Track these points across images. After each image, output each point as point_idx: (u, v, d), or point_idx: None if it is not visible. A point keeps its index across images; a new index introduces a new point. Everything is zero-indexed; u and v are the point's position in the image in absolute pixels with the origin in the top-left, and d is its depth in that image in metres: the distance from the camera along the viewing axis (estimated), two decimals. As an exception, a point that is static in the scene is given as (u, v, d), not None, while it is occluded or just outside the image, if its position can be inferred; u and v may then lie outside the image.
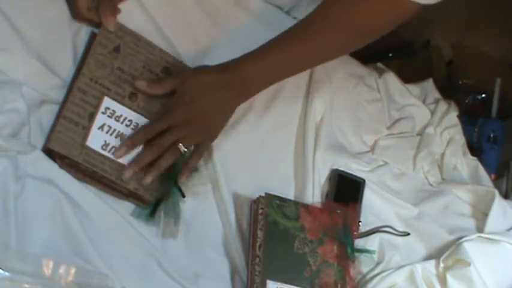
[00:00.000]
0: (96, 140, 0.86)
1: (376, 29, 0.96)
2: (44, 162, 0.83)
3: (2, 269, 0.71)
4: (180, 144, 0.90)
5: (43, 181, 0.81)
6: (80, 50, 0.94)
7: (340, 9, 0.94)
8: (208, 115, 0.94)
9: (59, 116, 0.86)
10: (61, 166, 0.84)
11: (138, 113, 0.92)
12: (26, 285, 0.72)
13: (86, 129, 0.86)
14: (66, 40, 0.93)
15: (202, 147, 0.94)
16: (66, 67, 0.92)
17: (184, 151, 0.91)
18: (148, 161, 0.88)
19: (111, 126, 0.89)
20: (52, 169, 0.83)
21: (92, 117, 0.87)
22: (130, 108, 0.91)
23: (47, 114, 0.87)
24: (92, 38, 0.95)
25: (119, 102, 0.90)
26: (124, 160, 0.88)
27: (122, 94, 0.91)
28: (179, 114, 0.91)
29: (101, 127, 0.88)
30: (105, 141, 0.87)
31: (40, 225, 0.79)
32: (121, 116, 0.90)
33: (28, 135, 0.84)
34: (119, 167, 0.87)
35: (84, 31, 0.95)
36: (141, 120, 0.92)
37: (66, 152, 0.83)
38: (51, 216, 0.80)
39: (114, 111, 0.89)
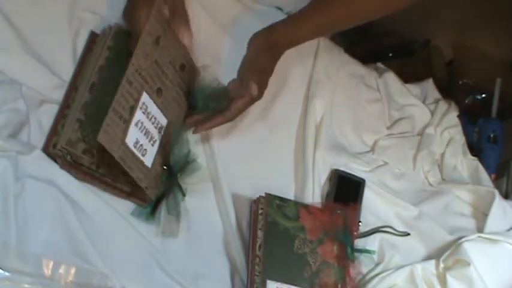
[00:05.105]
0: (132, 136, 0.84)
1: None
2: (44, 163, 0.83)
3: (2, 269, 0.71)
4: None
5: (43, 181, 0.81)
6: (80, 50, 0.94)
7: None
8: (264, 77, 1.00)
9: (60, 116, 0.86)
10: (61, 166, 0.83)
11: (160, 110, 0.91)
12: (26, 285, 0.72)
13: (126, 124, 0.83)
14: (66, 40, 0.93)
15: None
16: (66, 67, 0.91)
17: None
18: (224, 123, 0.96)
19: (143, 123, 0.86)
20: (52, 169, 0.83)
21: (132, 111, 0.84)
22: (156, 104, 0.89)
23: (47, 114, 0.87)
24: (92, 37, 0.95)
25: (151, 97, 0.88)
26: (147, 161, 0.87)
27: (153, 88, 0.89)
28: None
29: (137, 123, 0.85)
30: (137, 139, 0.85)
31: (40, 225, 0.79)
32: (150, 112, 0.88)
33: (28, 135, 0.84)
34: (142, 167, 0.86)
35: (84, 31, 0.95)
36: (161, 118, 0.91)
37: (109, 147, 0.80)
38: (51, 216, 0.80)
39: (147, 107, 0.87)
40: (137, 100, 0.85)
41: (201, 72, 1.02)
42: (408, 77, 1.41)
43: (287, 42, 1.01)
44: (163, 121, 0.91)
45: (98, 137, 0.78)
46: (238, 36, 1.10)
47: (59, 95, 0.89)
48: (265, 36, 0.98)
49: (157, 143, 0.89)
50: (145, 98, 0.87)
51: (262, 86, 0.98)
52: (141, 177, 0.85)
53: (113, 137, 0.81)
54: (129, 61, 0.85)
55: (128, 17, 0.95)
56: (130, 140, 0.83)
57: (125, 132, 0.83)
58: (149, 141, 0.88)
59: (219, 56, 1.09)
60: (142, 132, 0.86)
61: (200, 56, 1.05)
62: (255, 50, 0.97)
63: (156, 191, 0.88)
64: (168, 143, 0.91)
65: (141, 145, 0.86)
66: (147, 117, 0.87)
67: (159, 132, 0.90)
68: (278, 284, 0.91)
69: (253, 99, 0.97)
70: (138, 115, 0.85)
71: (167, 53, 0.92)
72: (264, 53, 0.97)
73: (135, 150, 0.84)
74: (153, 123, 0.88)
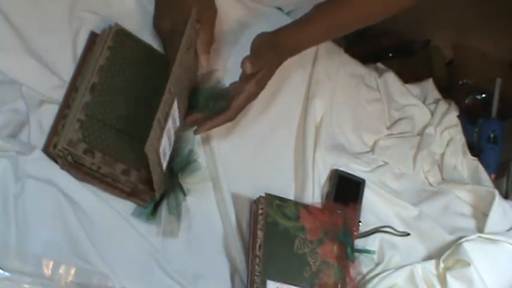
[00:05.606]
0: (162, 144, 0.83)
1: None
2: (44, 163, 0.82)
3: (2, 269, 0.71)
4: None
5: (43, 181, 0.81)
6: (80, 50, 0.93)
7: None
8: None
9: (60, 116, 0.86)
10: (62, 167, 0.83)
11: (179, 113, 0.90)
12: (26, 285, 0.73)
13: (161, 132, 0.82)
14: (66, 40, 0.93)
15: None
16: (66, 67, 0.91)
17: None
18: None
19: (170, 129, 0.86)
20: (52, 169, 0.83)
21: (166, 118, 0.84)
22: (178, 109, 0.89)
23: (47, 114, 0.87)
24: (92, 37, 0.95)
25: (177, 102, 0.87)
26: (164, 165, 0.86)
27: (178, 93, 0.89)
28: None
29: (167, 130, 0.84)
30: (164, 146, 0.84)
31: (40, 225, 0.79)
32: (175, 118, 0.88)
33: (28, 135, 0.84)
34: (160, 171, 0.85)
35: (84, 31, 0.95)
36: (177, 121, 0.90)
37: (150, 156, 0.79)
38: (51, 216, 0.80)
39: (174, 112, 0.86)
40: (171, 107, 0.85)
41: (204, 74, 1.02)
42: (408, 77, 1.41)
43: (291, 47, 1.02)
44: (178, 123, 0.91)
45: (145, 148, 0.77)
46: (240, 38, 1.10)
47: (59, 95, 0.89)
48: (270, 38, 0.99)
49: (172, 145, 0.89)
50: (175, 104, 0.87)
51: (262, 85, 0.98)
52: (157, 181, 0.85)
53: (153, 146, 0.80)
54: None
55: (156, 25, 1.00)
56: (161, 148, 0.83)
57: (159, 140, 0.82)
58: (169, 145, 0.88)
59: (221, 59, 1.09)
60: (166, 139, 0.86)
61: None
62: (258, 49, 0.97)
63: (160, 191, 0.88)
64: (175, 144, 0.91)
65: (165, 150, 0.86)
66: (172, 123, 0.87)
67: (175, 135, 0.90)
68: (278, 284, 0.91)
69: (252, 94, 0.97)
70: (169, 122, 0.85)
71: (189, 57, 0.92)
72: (267, 51, 0.97)
73: (161, 156, 0.84)
74: (173, 127, 0.88)
